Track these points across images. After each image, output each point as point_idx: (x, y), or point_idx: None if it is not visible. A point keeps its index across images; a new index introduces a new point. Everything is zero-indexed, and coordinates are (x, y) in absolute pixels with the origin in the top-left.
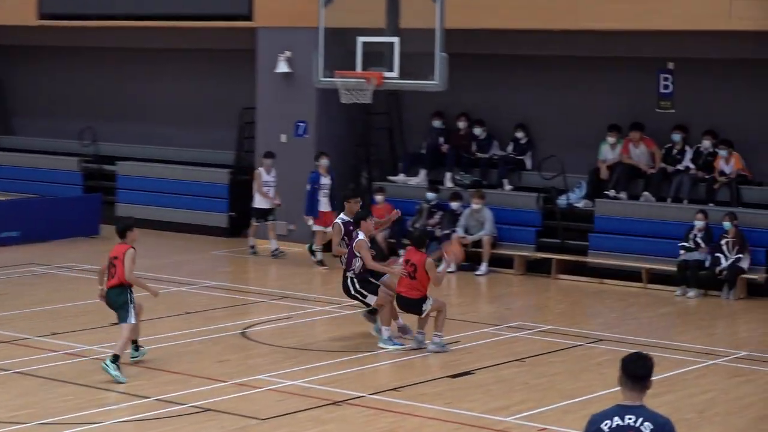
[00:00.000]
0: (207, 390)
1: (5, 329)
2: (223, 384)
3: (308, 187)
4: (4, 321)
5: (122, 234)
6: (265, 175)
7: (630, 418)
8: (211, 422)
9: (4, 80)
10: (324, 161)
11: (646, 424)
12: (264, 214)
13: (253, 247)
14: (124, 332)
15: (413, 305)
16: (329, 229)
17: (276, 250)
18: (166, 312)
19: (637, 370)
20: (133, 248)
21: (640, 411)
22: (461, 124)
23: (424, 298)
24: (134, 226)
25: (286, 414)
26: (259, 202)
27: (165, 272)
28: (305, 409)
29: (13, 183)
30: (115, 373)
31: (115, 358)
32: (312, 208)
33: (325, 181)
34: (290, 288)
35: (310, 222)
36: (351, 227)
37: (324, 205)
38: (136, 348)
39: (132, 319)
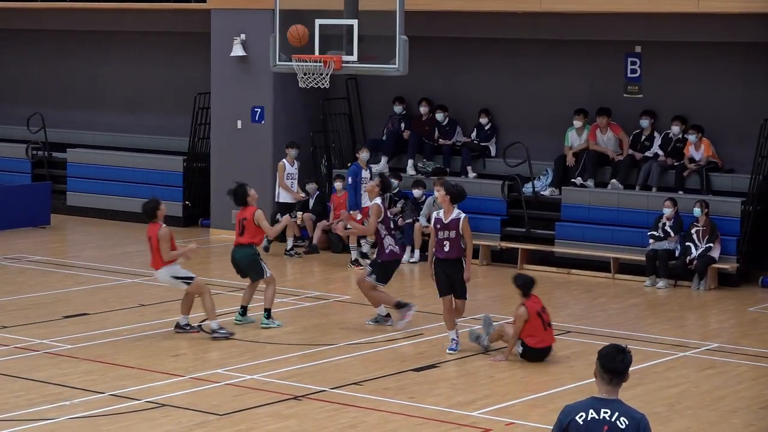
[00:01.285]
0: (162, 385)
1: None
2: (179, 379)
3: (349, 180)
4: None
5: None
6: (288, 167)
7: (605, 412)
8: (167, 418)
9: None
10: (363, 154)
11: (621, 419)
12: (289, 209)
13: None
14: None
15: None
16: None
17: (291, 248)
18: (118, 304)
19: (615, 365)
20: (165, 225)
21: (615, 405)
22: (423, 110)
23: None
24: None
25: (245, 409)
26: (283, 196)
27: (117, 263)
28: (265, 404)
29: None
30: (274, 324)
31: (268, 313)
32: (356, 203)
33: (366, 174)
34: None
35: (359, 217)
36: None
37: (365, 200)
38: (244, 313)
39: (267, 273)
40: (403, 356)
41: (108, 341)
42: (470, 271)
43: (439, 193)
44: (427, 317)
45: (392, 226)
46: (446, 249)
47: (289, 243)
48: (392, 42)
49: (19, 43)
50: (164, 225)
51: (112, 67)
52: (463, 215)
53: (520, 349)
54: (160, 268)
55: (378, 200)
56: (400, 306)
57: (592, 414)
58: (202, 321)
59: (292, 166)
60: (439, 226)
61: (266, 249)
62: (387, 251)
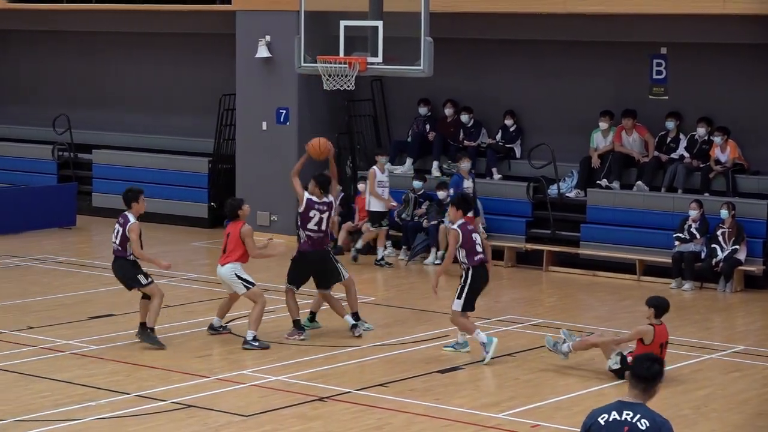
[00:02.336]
0: (188, 386)
1: None
2: (205, 379)
3: (451, 191)
4: None
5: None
6: (379, 174)
7: (628, 414)
8: (193, 419)
9: None
10: (465, 164)
11: (643, 421)
12: (380, 218)
13: (382, 259)
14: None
15: None
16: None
17: (382, 259)
18: None
19: (643, 372)
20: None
21: (639, 408)
22: (448, 111)
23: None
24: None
25: (271, 410)
26: (374, 204)
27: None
28: (290, 406)
29: None
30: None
31: (356, 317)
32: None
33: (468, 184)
34: (274, 281)
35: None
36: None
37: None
38: (312, 318)
39: (345, 274)
40: (428, 358)
41: (134, 342)
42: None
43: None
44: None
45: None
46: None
47: (380, 253)
48: (417, 43)
49: (45, 44)
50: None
51: (138, 68)
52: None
53: (617, 365)
54: (225, 264)
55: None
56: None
57: (614, 415)
58: (229, 321)
59: (383, 174)
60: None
61: (355, 259)
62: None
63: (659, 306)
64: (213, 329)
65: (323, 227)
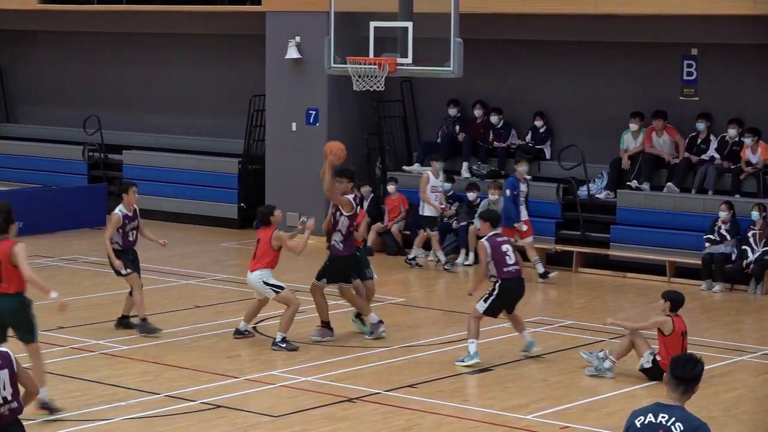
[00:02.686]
0: (217, 386)
1: None
2: (234, 380)
3: (507, 193)
4: None
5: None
6: (432, 179)
7: (663, 417)
8: (222, 419)
9: (6, 67)
10: (522, 167)
11: (677, 424)
12: (433, 223)
13: (414, 258)
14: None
15: None
16: (529, 239)
17: (446, 262)
18: (173, 306)
19: (683, 373)
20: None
21: (675, 411)
22: (477, 113)
23: None
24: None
25: (300, 411)
26: (427, 209)
27: (172, 265)
28: (319, 406)
29: (16, 172)
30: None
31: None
32: (513, 216)
33: (524, 187)
34: (303, 281)
35: (524, 228)
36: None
37: (523, 213)
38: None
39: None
40: (457, 359)
41: (163, 342)
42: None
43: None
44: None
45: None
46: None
47: (441, 256)
48: (447, 44)
49: (75, 45)
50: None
51: (168, 69)
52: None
53: (648, 364)
54: (255, 271)
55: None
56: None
57: (650, 417)
58: (257, 323)
59: (437, 179)
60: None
61: (418, 265)
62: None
63: (675, 300)
64: (239, 333)
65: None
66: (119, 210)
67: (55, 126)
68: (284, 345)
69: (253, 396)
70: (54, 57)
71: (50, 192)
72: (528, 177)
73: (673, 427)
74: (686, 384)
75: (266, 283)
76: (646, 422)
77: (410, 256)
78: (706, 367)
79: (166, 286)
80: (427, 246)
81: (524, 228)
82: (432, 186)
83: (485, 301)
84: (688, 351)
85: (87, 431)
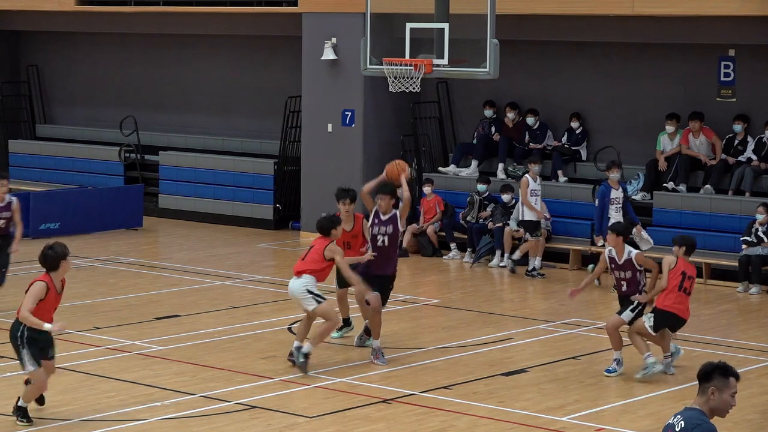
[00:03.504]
0: (253, 387)
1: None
2: (269, 381)
3: (596, 202)
4: None
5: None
6: (532, 183)
7: (677, 418)
8: (257, 420)
9: (43, 68)
10: (614, 174)
11: (681, 422)
12: (534, 227)
13: (534, 270)
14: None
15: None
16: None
17: (533, 269)
18: (209, 307)
19: (698, 373)
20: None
21: (687, 411)
22: (510, 115)
23: None
24: (339, 224)
25: (334, 412)
26: (527, 214)
27: (208, 265)
28: (354, 407)
29: (53, 173)
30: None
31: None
32: (601, 227)
33: (616, 194)
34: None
35: (600, 242)
36: None
37: (617, 220)
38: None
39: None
40: (492, 360)
41: (199, 343)
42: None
43: (610, 236)
44: (516, 321)
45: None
46: (623, 288)
47: (532, 263)
48: (483, 45)
49: (112, 46)
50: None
51: (204, 70)
52: (634, 253)
53: (651, 322)
54: (301, 275)
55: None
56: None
57: (670, 419)
58: (292, 323)
59: (536, 182)
60: (613, 266)
61: (513, 270)
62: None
63: (690, 244)
64: (293, 355)
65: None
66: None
67: (92, 127)
68: (302, 360)
69: (289, 397)
70: (91, 58)
71: (87, 193)
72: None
73: (677, 425)
74: (700, 383)
75: (309, 291)
76: (666, 424)
77: (529, 268)
78: (741, 370)
79: (203, 286)
80: (461, 247)
81: (600, 243)
82: (531, 190)
83: (632, 310)
84: (687, 295)
85: (123, 431)
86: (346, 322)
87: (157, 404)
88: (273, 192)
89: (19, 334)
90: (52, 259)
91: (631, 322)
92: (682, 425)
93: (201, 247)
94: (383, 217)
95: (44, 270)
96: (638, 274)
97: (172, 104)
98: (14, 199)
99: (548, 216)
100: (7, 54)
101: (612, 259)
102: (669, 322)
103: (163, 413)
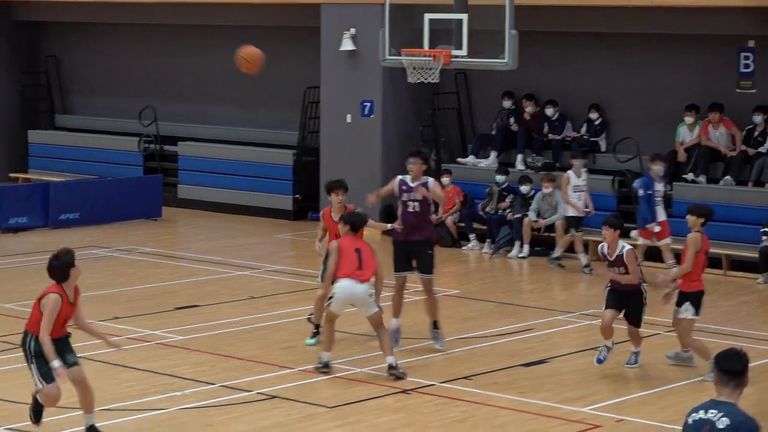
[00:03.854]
0: (273, 377)
1: None
2: (289, 371)
3: (640, 192)
4: None
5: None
6: (574, 179)
7: (713, 412)
8: (277, 410)
9: (61, 58)
10: (658, 167)
11: (723, 419)
12: (576, 223)
13: (558, 258)
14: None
15: None
16: (666, 240)
17: (556, 258)
18: (229, 297)
19: (731, 366)
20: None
21: (725, 407)
22: (528, 108)
23: None
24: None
25: (355, 402)
26: (570, 210)
27: (228, 255)
28: (374, 398)
29: (72, 164)
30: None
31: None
32: (647, 217)
33: (659, 187)
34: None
35: (656, 229)
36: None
37: (660, 214)
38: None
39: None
40: (512, 351)
41: (219, 333)
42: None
43: (605, 231)
44: (536, 312)
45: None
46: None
47: (583, 260)
48: (501, 36)
49: (131, 37)
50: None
51: (222, 60)
52: (626, 248)
53: (693, 309)
54: (365, 282)
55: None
56: None
57: (701, 414)
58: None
59: (579, 178)
60: (606, 262)
61: (561, 266)
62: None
63: (708, 214)
64: (392, 368)
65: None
66: None
67: (111, 117)
68: (396, 371)
69: (309, 387)
70: (110, 49)
71: (106, 183)
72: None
73: (718, 422)
74: (736, 377)
75: (370, 295)
76: (697, 418)
77: (553, 256)
78: (763, 362)
79: (222, 276)
80: (480, 238)
81: (656, 229)
82: (574, 185)
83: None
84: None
85: (143, 420)
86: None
87: (178, 393)
88: (292, 182)
89: (26, 347)
90: (60, 270)
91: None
92: (727, 422)
93: (220, 238)
94: (412, 184)
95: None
96: (634, 267)
97: (191, 95)
98: None
99: (591, 210)
100: (26, 45)
101: (604, 256)
102: (700, 300)
103: (184, 403)
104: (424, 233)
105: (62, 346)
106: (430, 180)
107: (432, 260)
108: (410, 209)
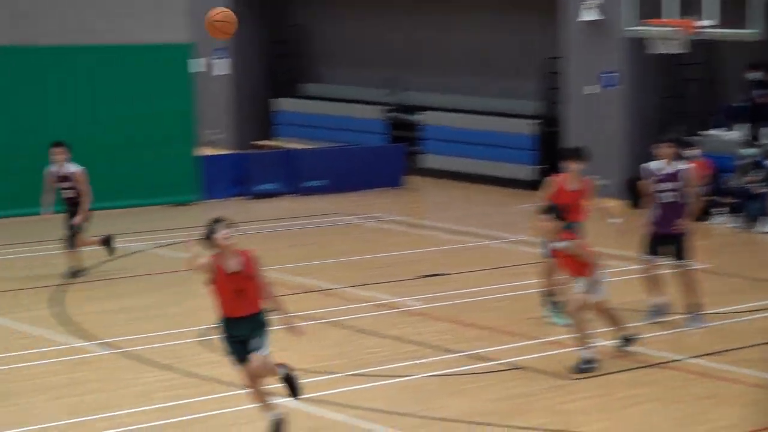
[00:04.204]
0: (517, 347)
1: (315, 278)
2: (533, 341)
3: None
4: (314, 270)
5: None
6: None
7: None
8: (520, 380)
9: (308, 27)
10: None
11: None
12: None
13: None
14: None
15: None
16: None
17: None
18: (475, 266)
19: None
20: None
21: None
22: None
23: None
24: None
25: (600, 375)
26: None
27: (474, 225)
28: (620, 371)
29: (318, 131)
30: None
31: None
32: None
33: None
34: (610, 245)
35: None
36: None
37: None
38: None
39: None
40: (764, 328)
41: (463, 302)
42: None
43: None
44: None
45: None
46: None
47: None
48: (751, 6)
49: (374, 6)
50: None
51: (464, 31)
52: None
53: None
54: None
55: None
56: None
57: None
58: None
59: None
60: None
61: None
62: None
63: None
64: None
65: None
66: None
67: (355, 85)
68: (587, 366)
69: (551, 358)
70: (354, 17)
71: (350, 151)
72: None
73: None
74: None
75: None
76: None
77: None
78: None
79: (465, 246)
80: (728, 211)
81: None
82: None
83: None
84: None
85: (387, 387)
86: None
87: (422, 361)
88: (532, 152)
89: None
90: (208, 241)
91: None
92: None
93: (464, 206)
94: (665, 171)
95: None
96: None
97: (433, 65)
98: (78, 169)
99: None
100: (273, 14)
101: None
102: None
103: (428, 370)
104: (673, 227)
105: (243, 330)
106: (684, 167)
107: (683, 254)
108: (662, 200)
